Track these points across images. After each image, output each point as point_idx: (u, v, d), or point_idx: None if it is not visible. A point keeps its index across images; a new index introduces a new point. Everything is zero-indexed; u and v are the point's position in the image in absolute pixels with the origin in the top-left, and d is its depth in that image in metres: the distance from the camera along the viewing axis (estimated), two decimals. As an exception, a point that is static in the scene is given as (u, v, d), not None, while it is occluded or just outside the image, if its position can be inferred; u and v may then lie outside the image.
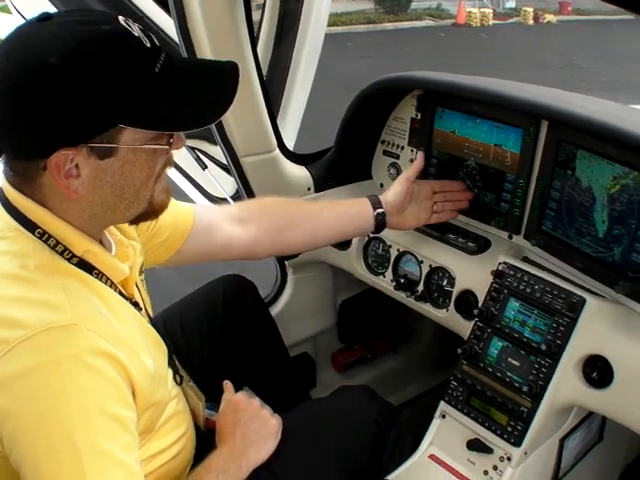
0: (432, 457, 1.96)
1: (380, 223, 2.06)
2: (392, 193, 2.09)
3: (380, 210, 2.05)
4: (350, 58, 10.69)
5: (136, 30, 1.27)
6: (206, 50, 2.00)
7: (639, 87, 9.89)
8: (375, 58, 11.14)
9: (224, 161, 2.50)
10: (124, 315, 1.40)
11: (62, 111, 1.20)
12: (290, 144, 2.55)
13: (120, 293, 1.44)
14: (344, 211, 2.07)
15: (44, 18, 1.24)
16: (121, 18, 1.27)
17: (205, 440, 1.76)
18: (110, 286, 1.40)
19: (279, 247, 2.09)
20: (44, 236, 1.31)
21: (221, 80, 1.38)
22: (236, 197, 2.61)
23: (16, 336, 1.20)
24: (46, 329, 1.21)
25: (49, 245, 1.31)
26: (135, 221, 1.46)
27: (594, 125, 1.76)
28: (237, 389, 2.16)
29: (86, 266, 1.36)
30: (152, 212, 1.45)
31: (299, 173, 2.48)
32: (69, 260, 1.33)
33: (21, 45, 1.22)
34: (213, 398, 1.92)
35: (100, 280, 1.38)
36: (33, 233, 1.31)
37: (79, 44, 1.19)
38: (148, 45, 1.27)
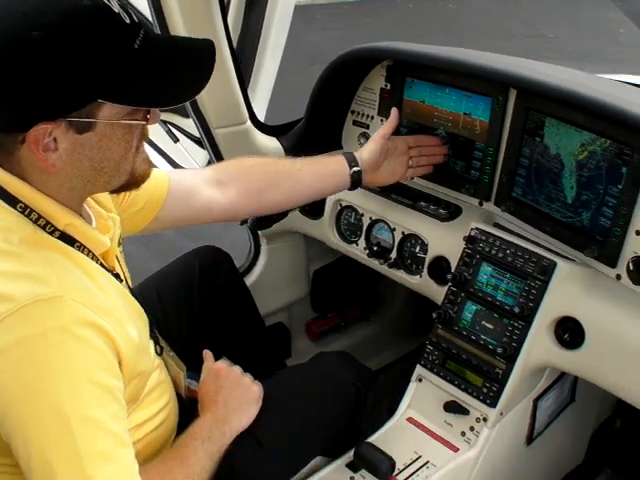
0: (410, 420, 2.01)
1: (356, 180, 2.08)
2: (367, 151, 2.11)
3: (356, 168, 2.07)
4: (315, 30, 10.62)
5: (115, 6, 1.26)
6: (177, 20, 2.00)
7: (604, 56, 9.96)
8: (341, 30, 11.09)
9: (196, 134, 2.51)
10: (107, 286, 1.41)
11: (42, 85, 1.20)
12: (261, 115, 2.56)
13: (102, 265, 1.45)
14: (321, 170, 2.09)
15: None
16: None
17: (187, 409, 1.78)
18: (92, 258, 1.41)
19: (258, 208, 2.11)
20: (26, 210, 1.32)
21: (198, 58, 1.39)
22: (208, 170, 2.63)
23: (2, 310, 1.20)
24: (33, 302, 1.22)
25: (31, 219, 1.32)
26: (117, 191, 1.48)
27: (562, 93, 1.80)
28: (216, 359, 2.20)
29: (68, 239, 1.36)
30: (134, 182, 1.46)
31: (270, 144, 2.49)
32: (51, 234, 1.34)
33: (1, 17, 1.21)
34: (193, 368, 1.95)
35: (82, 252, 1.38)
36: (15, 207, 1.31)
37: (61, 18, 1.19)
38: (128, 21, 1.27)
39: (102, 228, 1.51)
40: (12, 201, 1.32)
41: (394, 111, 2.22)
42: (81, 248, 1.39)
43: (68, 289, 1.27)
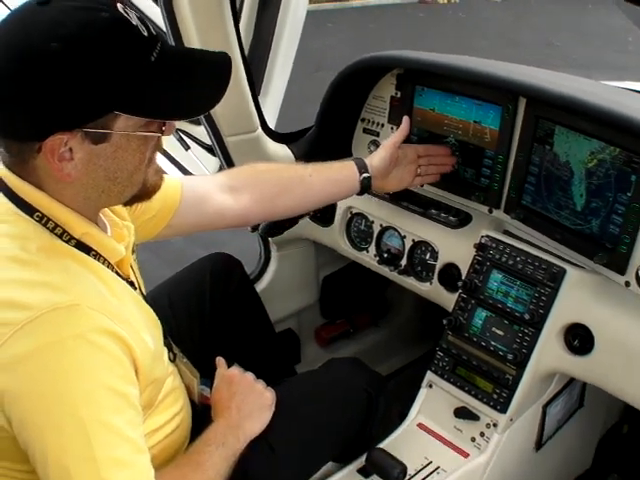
0: (420, 425, 2.02)
1: (365, 186, 2.10)
2: (378, 158, 2.14)
3: (366, 174, 2.09)
4: (321, 36, 10.67)
5: (134, 18, 1.28)
6: (190, 27, 2.02)
7: (611, 64, 10.00)
8: (351, 35, 11.15)
9: (206, 141, 2.53)
10: (122, 294, 1.43)
11: (60, 96, 1.21)
12: (272, 123, 2.58)
13: (117, 273, 1.46)
14: (332, 176, 2.10)
15: (43, 2, 1.23)
16: (119, 5, 1.28)
17: (200, 416, 1.79)
18: (107, 267, 1.42)
19: (270, 213, 2.12)
20: (43, 219, 1.33)
21: (214, 71, 1.40)
22: (219, 177, 2.65)
23: (21, 318, 1.22)
24: (50, 310, 1.23)
25: (48, 228, 1.33)
26: (129, 202, 1.48)
27: (571, 102, 1.82)
28: (228, 365, 2.21)
29: (84, 248, 1.38)
30: (145, 194, 1.47)
31: (281, 152, 2.51)
32: (68, 242, 1.35)
33: (20, 28, 1.23)
34: (205, 374, 1.97)
35: (98, 261, 1.40)
36: (32, 216, 1.33)
37: (80, 30, 1.20)
38: (145, 34, 1.28)
39: (117, 236, 1.53)
40: (29, 210, 1.33)
41: (405, 119, 2.24)
42: (97, 256, 1.40)
43: (85, 297, 1.28)
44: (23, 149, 1.29)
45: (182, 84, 1.33)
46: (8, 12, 1.27)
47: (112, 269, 1.44)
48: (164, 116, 1.35)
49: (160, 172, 1.49)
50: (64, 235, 1.35)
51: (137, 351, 1.34)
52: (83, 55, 1.20)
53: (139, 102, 1.28)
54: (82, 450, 1.22)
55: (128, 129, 1.30)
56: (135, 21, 1.28)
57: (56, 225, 1.34)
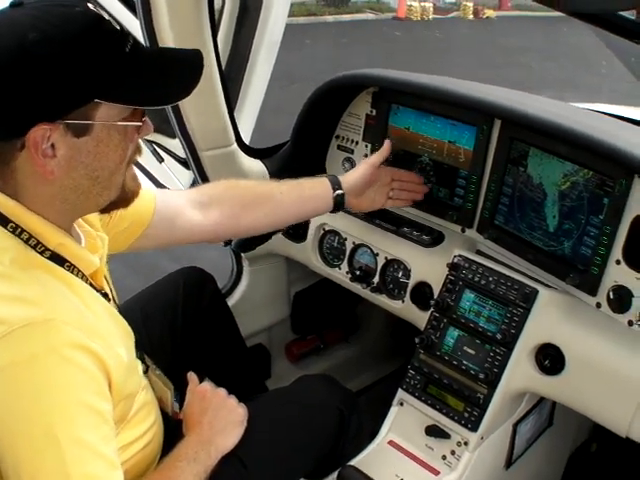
0: (391, 443, 2.02)
1: (338, 203, 2.11)
2: (354, 176, 2.15)
3: (339, 192, 2.10)
4: (296, 49, 10.73)
5: (105, 15, 1.33)
6: (168, 40, 2.02)
7: (584, 86, 10.16)
8: (325, 49, 11.21)
9: (181, 154, 2.53)
10: (96, 307, 1.42)
11: (40, 86, 1.23)
12: (247, 138, 2.58)
13: (91, 285, 1.45)
14: (304, 192, 2.10)
15: (16, 4, 1.28)
16: (90, 4, 1.33)
17: (172, 431, 1.79)
18: (82, 278, 1.41)
19: (240, 230, 2.12)
20: (17, 230, 1.32)
21: (187, 62, 1.43)
22: (192, 191, 2.64)
23: None
24: (24, 325, 1.22)
25: (22, 239, 1.33)
26: (106, 210, 1.48)
27: (545, 125, 1.84)
28: (200, 380, 2.20)
29: (58, 259, 1.37)
30: (124, 199, 1.47)
31: (256, 167, 2.51)
32: (42, 253, 1.34)
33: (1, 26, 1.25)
34: (177, 389, 1.96)
35: (72, 273, 1.39)
36: (5, 227, 1.32)
37: (56, 21, 1.24)
38: (117, 27, 1.32)
39: (91, 247, 1.52)
40: (2, 220, 1.32)
41: (387, 142, 2.25)
42: (71, 268, 1.39)
43: (59, 311, 1.28)
44: (5, 149, 1.28)
45: (156, 73, 1.36)
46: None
47: (86, 281, 1.43)
48: (142, 103, 1.37)
49: (137, 180, 1.50)
50: (38, 246, 1.34)
51: (111, 366, 1.34)
52: (61, 44, 1.23)
53: (118, 90, 1.30)
54: (56, 466, 1.22)
55: (109, 119, 1.31)
56: (107, 17, 1.32)
57: (30, 236, 1.33)
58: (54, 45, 1.22)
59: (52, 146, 1.27)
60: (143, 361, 1.73)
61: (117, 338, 1.43)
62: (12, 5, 1.28)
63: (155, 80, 1.35)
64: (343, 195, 2.10)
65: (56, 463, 1.21)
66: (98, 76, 1.26)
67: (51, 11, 1.25)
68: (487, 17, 19.19)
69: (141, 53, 1.35)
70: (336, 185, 2.10)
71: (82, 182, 1.35)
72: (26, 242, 1.33)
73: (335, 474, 1.86)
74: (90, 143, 1.31)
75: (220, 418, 1.75)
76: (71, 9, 1.27)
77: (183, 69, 1.41)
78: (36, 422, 1.22)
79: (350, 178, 2.14)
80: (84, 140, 1.30)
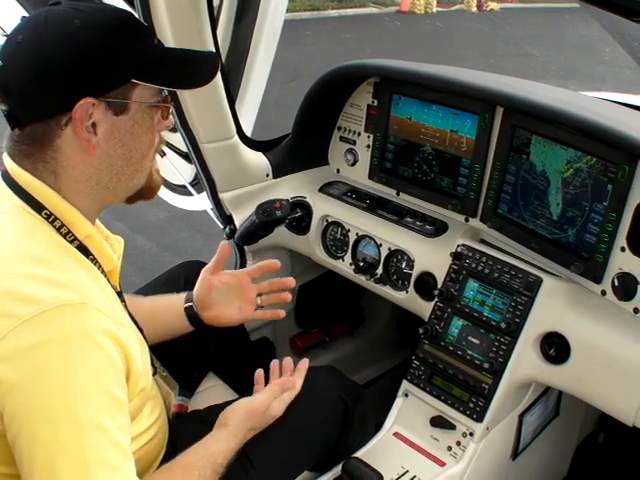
0: (396, 435, 2.01)
1: (190, 315, 1.97)
2: (196, 287, 2.00)
3: (189, 304, 1.97)
4: (300, 44, 10.72)
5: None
6: (167, 34, 2.00)
7: (588, 75, 10.13)
8: (328, 44, 11.20)
9: (182, 148, 2.52)
10: (114, 302, 1.45)
11: (86, 64, 1.33)
12: (248, 130, 2.57)
13: (108, 282, 1.47)
14: (160, 303, 1.99)
15: (54, 3, 1.39)
16: None
17: (175, 427, 1.78)
18: (102, 273, 1.44)
19: None
20: (50, 217, 1.37)
21: (204, 55, 1.61)
22: (194, 184, 2.63)
23: (28, 311, 1.22)
24: (58, 305, 1.24)
25: (55, 226, 1.37)
26: (132, 199, 1.55)
27: (548, 111, 1.83)
28: (203, 374, 2.20)
29: (84, 251, 1.41)
30: (148, 189, 1.56)
31: (257, 160, 2.50)
32: (71, 243, 1.38)
33: (42, 20, 1.35)
34: (180, 383, 1.96)
35: (95, 266, 1.42)
36: (40, 214, 1.36)
37: (95, 12, 1.38)
38: (146, 24, 1.51)
39: (110, 247, 1.54)
40: (38, 207, 1.37)
41: (223, 244, 2.03)
42: (94, 262, 1.43)
43: (90, 297, 1.30)
44: (50, 128, 1.35)
45: (181, 62, 1.49)
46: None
47: (105, 276, 1.46)
48: (173, 84, 1.50)
49: (159, 173, 1.59)
50: (68, 235, 1.39)
51: (132, 356, 1.36)
52: (101, 30, 1.36)
53: (151, 73, 1.41)
54: (74, 448, 1.22)
55: (143, 99, 1.41)
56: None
57: (62, 224, 1.38)
58: (96, 30, 1.35)
59: (93, 125, 1.35)
60: (151, 362, 1.72)
61: (132, 334, 1.46)
62: (51, 4, 1.39)
63: (180, 67, 1.47)
64: (191, 307, 1.96)
65: (74, 445, 1.22)
66: (134, 58, 1.38)
67: (88, 5, 1.38)
68: (491, 9, 19.14)
69: (165, 47, 1.48)
70: (189, 299, 1.98)
71: (117, 162, 1.43)
72: (58, 230, 1.37)
73: (340, 466, 1.84)
74: (127, 123, 1.41)
75: (256, 429, 1.76)
76: (102, 5, 1.45)
77: (201, 61, 1.55)
78: (61, 402, 1.22)
79: (195, 289, 2.00)
80: (123, 119, 1.40)
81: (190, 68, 1.50)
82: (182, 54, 1.52)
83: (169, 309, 1.98)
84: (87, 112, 1.33)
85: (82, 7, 1.37)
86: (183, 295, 1.99)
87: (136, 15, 1.50)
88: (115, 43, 1.36)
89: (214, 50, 2.12)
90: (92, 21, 1.35)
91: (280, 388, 1.84)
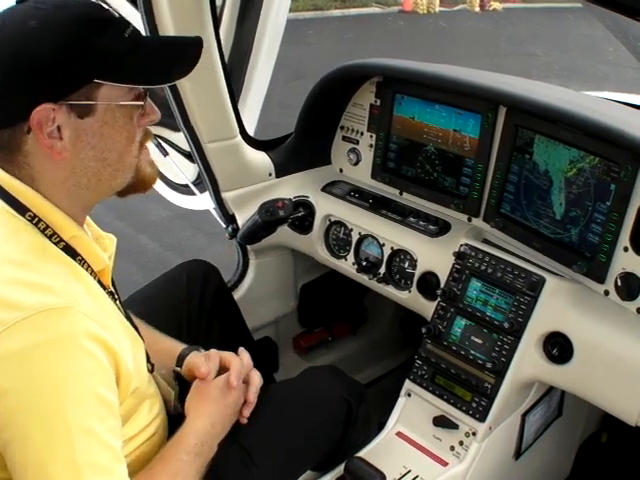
0: (399, 434, 2.01)
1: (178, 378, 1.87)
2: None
3: (178, 369, 1.85)
4: (303, 44, 10.73)
5: (105, 4, 1.35)
6: (170, 34, 2.02)
7: (591, 74, 10.12)
8: (331, 44, 11.20)
9: (185, 148, 2.52)
10: (104, 303, 1.42)
11: (41, 67, 1.26)
12: (251, 130, 2.57)
13: (98, 282, 1.45)
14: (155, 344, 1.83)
15: (20, 1, 1.33)
16: None
17: (176, 425, 1.77)
18: (91, 274, 1.42)
19: None
20: (34, 219, 1.34)
21: (185, 45, 1.48)
22: (197, 183, 2.63)
23: (12, 317, 1.21)
24: (42, 310, 1.22)
25: (39, 228, 1.34)
26: (123, 193, 1.50)
27: (551, 111, 1.83)
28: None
29: (71, 252, 1.38)
30: (139, 184, 1.49)
31: (260, 159, 2.51)
32: (56, 244, 1.36)
33: (1, 23, 1.30)
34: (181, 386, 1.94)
35: (82, 267, 1.40)
36: (24, 216, 1.34)
37: (55, 9, 1.29)
38: (117, 15, 1.36)
39: (100, 246, 1.51)
40: (21, 209, 1.34)
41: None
42: (82, 262, 1.40)
43: (75, 300, 1.28)
44: (15, 134, 1.31)
45: (155, 56, 1.40)
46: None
47: (95, 277, 1.44)
48: (140, 83, 1.39)
49: (153, 165, 1.52)
50: (54, 237, 1.36)
51: (120, 359, 1.34)
52: (58, 28, 1.28)
53: (117, 71, 1.33)
54: (65, 453, 1.21)
55: (110, 100, 1.34)
56: (107, 6, 1.37)
57: (47, 226, 1.35)
58: (50, 30, 1.27)
59: (58, 128, 1.30)
60: (148, 360, 1.72)
61: (123, 335, 1.43)
62: (17, 2, 1.33)
63: (153, 62, 1.39)
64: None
65: (65, 449, 1.21)
66: (96, 57, 1.30)
67: (51, 2, 1.30)
68: (493, 9, 19.11)
69: (141, 39, 1.38)
70: (180, 360, 1.86)
71: (91, 164, 1.37)
72: (42, 232, 1.35)
73: (342, 465, 1.84)
74: (95, 124, 1.34)
75: (220, 408, 1.71)
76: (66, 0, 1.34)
77: (181, 51, 1.46)
78: (51, 406, 1.22)
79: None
80: (88, 121, 1.33)
81: (169, 59, 1.43)
82: (160, 43, 1.47)
83: (163, 352, 1.86)
84: (48, 117, 1.28)
85: (43, 5, 1.30)
86: (179, 348, 1.89)
87: (105, 6, 1.37)
88: (70, 42, 1.28)
89: (217, 52, 2.12)
90: (48, 20, 1.28)
91: (217, 356, 1.81)
